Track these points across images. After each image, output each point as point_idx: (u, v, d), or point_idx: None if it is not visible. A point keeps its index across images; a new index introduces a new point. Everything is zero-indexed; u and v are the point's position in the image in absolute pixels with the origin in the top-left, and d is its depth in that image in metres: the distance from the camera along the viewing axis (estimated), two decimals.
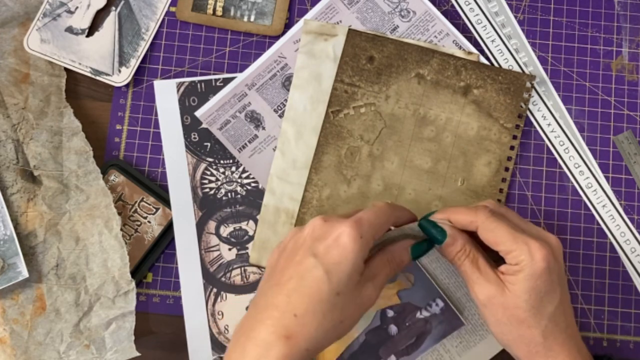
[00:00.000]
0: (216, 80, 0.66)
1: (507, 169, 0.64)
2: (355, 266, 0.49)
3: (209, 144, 0.65)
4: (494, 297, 0.51)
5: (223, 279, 0.64)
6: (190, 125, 0.65)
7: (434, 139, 0.63)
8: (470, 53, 0.65)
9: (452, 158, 0.63)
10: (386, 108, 0.64)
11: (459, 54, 0.65)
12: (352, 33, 0.65)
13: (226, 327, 0.63)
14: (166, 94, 0.66)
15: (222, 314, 0.63)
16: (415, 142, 0.64)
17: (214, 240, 0.64)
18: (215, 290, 0.63)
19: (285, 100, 0.65)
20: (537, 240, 0.51)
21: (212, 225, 0.64)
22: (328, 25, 0.65)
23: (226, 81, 0.66)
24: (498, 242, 0.52)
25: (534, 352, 0.52)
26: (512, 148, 0.63)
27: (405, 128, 0.64)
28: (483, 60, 0.65)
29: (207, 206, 0.64)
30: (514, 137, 0.64)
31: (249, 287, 0.64)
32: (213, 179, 0.65)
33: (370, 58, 0.64)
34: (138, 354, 0.61)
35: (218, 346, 0.63)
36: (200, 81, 0.66)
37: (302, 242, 0.51)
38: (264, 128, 0.65)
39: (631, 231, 0.65)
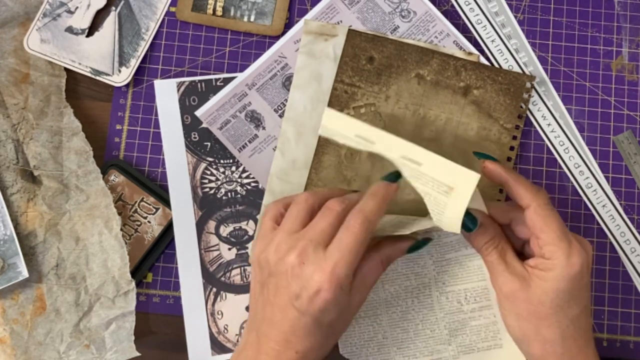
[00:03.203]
0: (216, 80, 0.66)
1: None
2: (342, 304, 0.50)
3: (209, 144, 0.65)
4: (518, 291, 0.51)
5: (223, 278, 0.64)
6: (191, 125, 0.65)
7: (434, 140, 0.63)
8: (470, 53, 0.65)
9: (452, 158, 0.63)
10: (386, 108, 0.64)
11: (459, 54, 0.65)
12: (352, 33, 0.65)
13: (226, 326, 0.63)
14: (166, 93, 0.66)
15: (222, 313, 0.63)
16: (415, 142, 0.63)
17: (214, 240, 0.64)
18: (214, 289, 0.63)
19: (286, 100, 0.65)
20: (579, 243, 0.51)
21: (212, 225, 0.64)
22: (328, 26, 0.65)
23: (226, 81, 0.66)
24: (545, 230, 0.51)
25: (550, 351, 0.51)
26: (512, 148, 0.63)
27: (405, 128, 0.64)
28: (483, 60, 0.65)
29: (207, 206, 0.64)
30: (514, 138, 0.64)
31: (248, 287, 0.64)
32: (213, 178, 0.65)
33: (370, 58, 0.64)
34: (138, 354, 0.61)
35: (218, 346, 0.63)
36: (200, 81, 0.66)
37: (283, 282, 0.50)
38: (264, 128, 0.65)
39: (631, 231, 0.65)
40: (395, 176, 0.53)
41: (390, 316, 0.59)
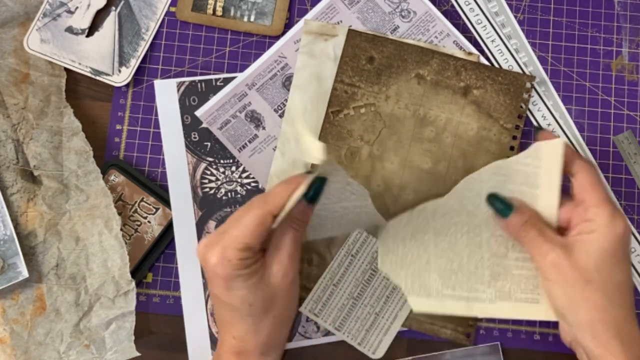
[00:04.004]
0: (216, 80, 0.66)
1: None
2: (247, 279, 0.50)
3: (209, 144, 0.65)
4: (563, 258, 0.51)
5: None
6: (191, 125, 0.65)
7: (434, 140, 0.64)
8: (470, 53, 0.65)
9: (452, 159, 0.63)
10: (386, 108, 0.64)
11: (459, 54, 0.65)
12: (352, 33, 0.65)
13: None
14: (166, 93, 0.66)
15: None
16: (415, 142, 0.64)
17: None
18: None
19: (286, 100, 0.65)
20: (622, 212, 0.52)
21: (212, 225, 0.64)
22: (328, 26, 0.65)
23: (226, 81, 0.66)
24: (592, 192, 0.52)
25: (597, 317, 0.51)
26: (512, 148, 0.63)
27: (405, 128, 0.64)
28: (483, 60, 0.65)
29: (207, 206, 0.64)
30: (514, 138, 0.64)
31: None
32: (213, 178, 0.65)
33: (370, 58, 0.64)
34: (138, 354, 0.61)
35: None
36: (200, 81, 0.66)
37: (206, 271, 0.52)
38: (264, 128, 0.65)
39: (631, 231, 0.65)
40: (310, 172, 0.53)
41: (437, 245, 0.59)
